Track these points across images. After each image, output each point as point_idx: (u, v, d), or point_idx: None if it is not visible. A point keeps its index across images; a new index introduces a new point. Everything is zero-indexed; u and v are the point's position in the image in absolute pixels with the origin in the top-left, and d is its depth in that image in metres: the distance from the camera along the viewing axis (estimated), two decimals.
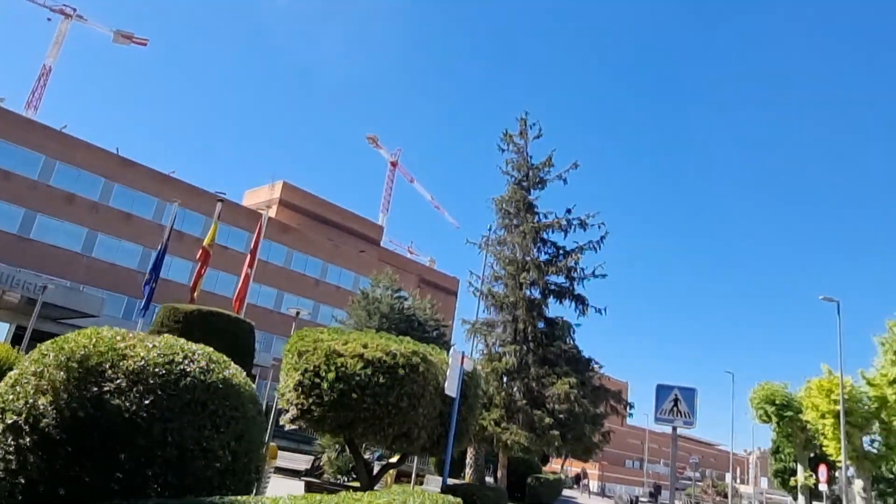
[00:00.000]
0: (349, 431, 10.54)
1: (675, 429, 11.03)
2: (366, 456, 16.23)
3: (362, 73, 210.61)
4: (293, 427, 10.74)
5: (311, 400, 10.06)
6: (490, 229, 28.96)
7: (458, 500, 8.43)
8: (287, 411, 10.48)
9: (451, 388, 11.37)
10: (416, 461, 22.04)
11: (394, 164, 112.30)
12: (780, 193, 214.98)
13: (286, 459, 22.47)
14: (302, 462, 23.77)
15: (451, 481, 14.87)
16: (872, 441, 26.08)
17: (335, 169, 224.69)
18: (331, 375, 9.92)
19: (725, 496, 67.17)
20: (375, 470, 14.86)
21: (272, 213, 46.84)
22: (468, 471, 25.54)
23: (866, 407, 25.06)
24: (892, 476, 35.42)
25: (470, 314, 27.39)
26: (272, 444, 14.53)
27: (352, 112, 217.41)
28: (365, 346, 10.38)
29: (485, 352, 25.80)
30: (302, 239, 56.22)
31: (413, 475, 22.11)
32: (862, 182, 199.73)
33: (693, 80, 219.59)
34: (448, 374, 11.35)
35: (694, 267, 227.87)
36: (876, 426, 25.08)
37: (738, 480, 63.69)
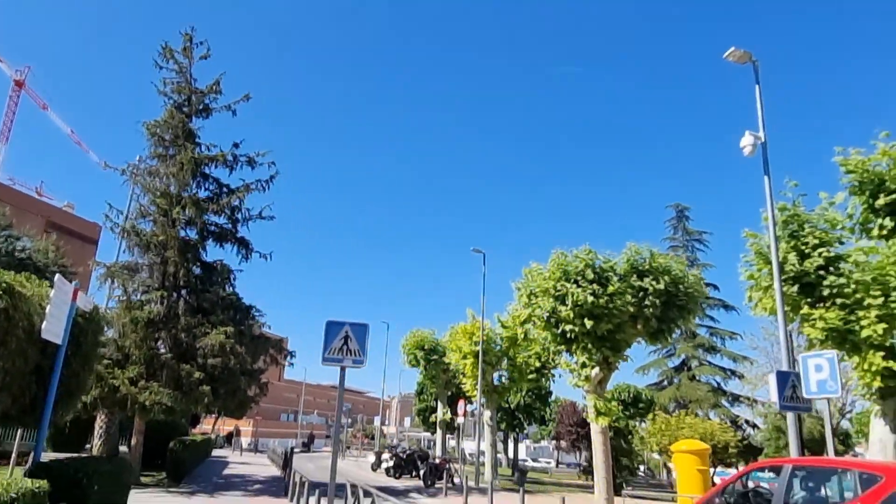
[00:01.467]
0: None
1: (343, 369, 9.86)
2: None
3: None
4: None
5: None
6: (140, 160, 24.36)
7: (43, 482, 5.78)
8: None
9: (54, 331, 8.25)
10: (18, 435, 17.19)
11: (19, 84, 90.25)
12: (421, 150, 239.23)
13: None
14: None
15: (61, 456, 11.40)
16: (500, 376, 29.92)
17: None
18: None
19: (373, 438, 72.56)
20: None
21: None
22: (97, 441, 21.28)
23: (499, 347, 28.55)
24: (507, 405, 41.52)
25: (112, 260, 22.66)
26: None
27: None
28: None
29: (123, 299, 21.61)
30: None
31: (14, 454, 17.19)
32: (499, 147, 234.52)
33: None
34: (49, 312, 8.19)
35: (359, 225, 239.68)
36: (505, 363, 28.75)
37: (386, 423, 69.01)
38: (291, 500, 16.32)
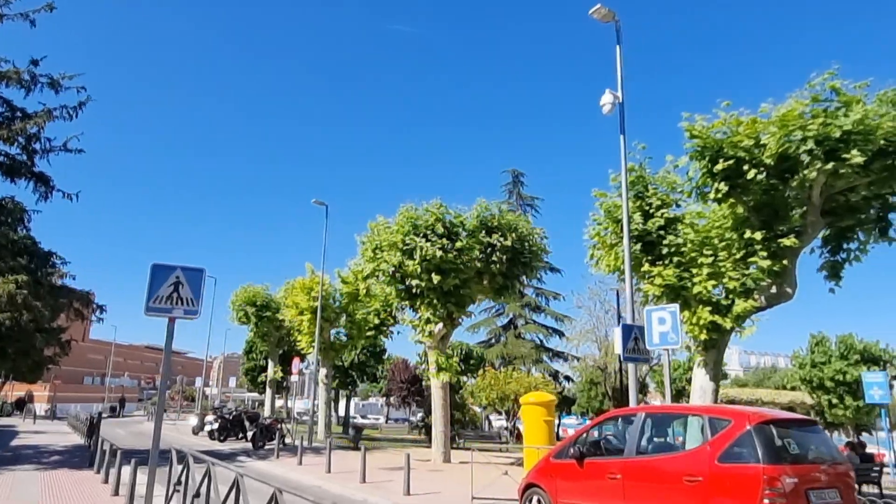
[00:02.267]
0: None
1: (172, 321, 8.41)
2: None
3: None
4: None
5: None
6: None
7: None
8: None
9: None
10: None
11: None
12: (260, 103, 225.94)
13: None
14: None
15: None
16: (338, 333, 29.03)
17: None
18: None
19: (193, 399, 68.17)
20: None
21: None
22: None
23: (338, 303, 27.57)
24: (340, 363, 40.79)
25: None
26: None
27: None
28: None
29: None
30: None
31: None
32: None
33: None
34: None
35: (188, 171, 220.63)
36: (343, 320, 27.88)
37: (209, 384, 65.04)
38: (98, 471, 14.28)
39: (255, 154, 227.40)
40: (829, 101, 10.99)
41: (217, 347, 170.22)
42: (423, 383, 44.46)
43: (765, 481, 6.50)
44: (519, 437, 37.65)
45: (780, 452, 6.83)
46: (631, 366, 11.56)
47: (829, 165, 10.56)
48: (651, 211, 13.23)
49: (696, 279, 12.45)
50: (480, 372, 40.14)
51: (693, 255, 12.64)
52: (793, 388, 47.43)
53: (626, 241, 11.89)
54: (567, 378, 54.61)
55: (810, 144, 10.60)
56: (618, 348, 11.30)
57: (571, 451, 8.68)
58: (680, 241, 12.70)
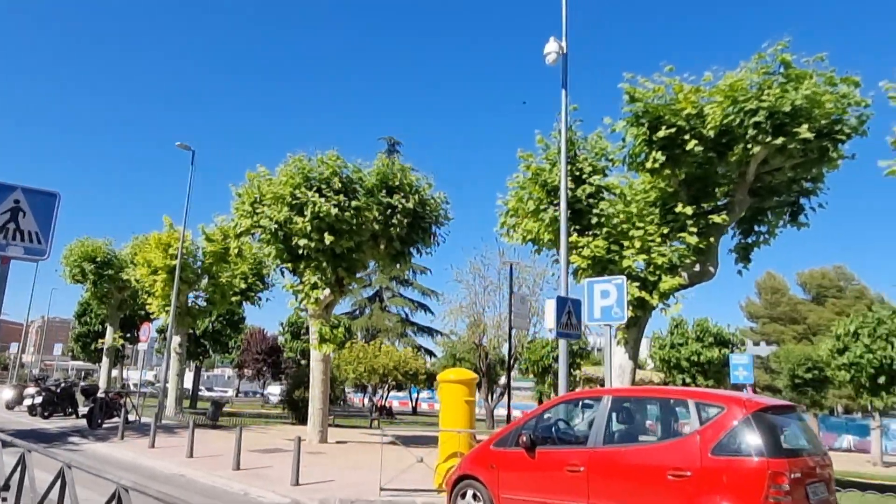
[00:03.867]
0: None
1: (6, 261, 5.94)
2: None
3: None
4: None
5: None
6: None
7: None
8: None
9: None
10: None
11: None
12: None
13: None
14: None
15: None
16: (197, 297, 25.76)
17: None
18: None
19: (6, 368, 59.51)
20: None
21: None
22: None
23: (200, 263, 24.33)
24: (192, 331, 37.00)
25: None
26: None
27: None
28: None
29: None
30: None
31: None
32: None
33: None
34: None
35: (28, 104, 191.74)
36: (205, 282, 24.71)
37: (24, 351, 56.87)
38: None
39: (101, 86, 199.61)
40: (778, 73, 10.61)
41: (38, 310, 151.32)
42: (284, 354, 41.75)
43: (769, 477, 5.65)
44: (385, 413, 36.49)
45: (782, 444, 6.04)
46: (562, 342, 10.58)
47: (779, 140, 10.16)
48: (583, 177, 12.32)
49: (626, 252, 11.75)
50: (348, 344, 38.35)
51: (624, 227, 11.92)
52: (640, 367, 50.93)
53: (563, 206, 10.83)
54: (429, 353, 54.37)
55: (761, 116, 10.14)
56: (549, 322, 10.25)
57: (520, 438, 7.42)
58: (612, 210, 11.91)
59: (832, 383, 33.21)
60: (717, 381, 30.70)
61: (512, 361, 22.06)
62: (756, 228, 13.28)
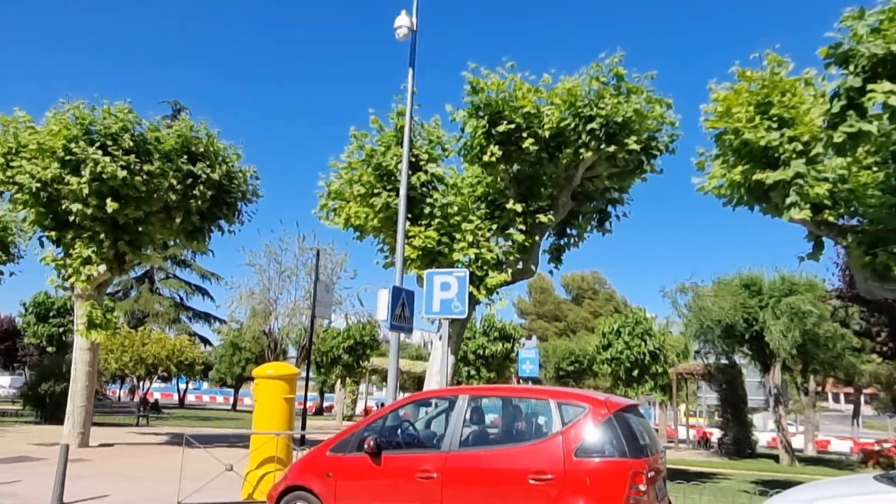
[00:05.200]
0: None
1: None
2: None
3: None
4: None
5: None
6: None
7: None
8: None
9: None
10: None
11: None
12: None
13: None
14: None
15: None
16: None
17: None
18: None
19: None
20: None
21: None
22: None
23: None
24: None
25: None
26: None
27: None
28: None
29: None
30: None
31: None
32: None
33: None
34: None
35: None
36: None
37: None
38: None
39: None
40: (611, 84, 11.14)
41: None
42: (25, 340, 35.14)
43: (631, 477, 5.63)
44: (151, 408, 32.56)
45: (639, 443, 6.08)
46: (393, 336, 9.97)
47: (612, 148, 10.66)
48: (420, 164, 11.79)
49: (457, 245, 11.50)
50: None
51: (457, 219, 11.66)
52: (418, 357, 52.50)
53: (402, 193, 10.20)
54: (205, 341, 50.23)
55: (596, 124, 10.55)
56: (381, 314, 9.56)
57: (365, 442, 6.63)
58: (446, 200, 11.57)
59: (592, 375, 37.39)
60: (499, 373, 32.67)
61: (308, 351, 20.85)
62: (568, 231, 13.98)
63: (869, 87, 7.64)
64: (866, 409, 55.51)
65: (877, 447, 24.96)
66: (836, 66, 8.22)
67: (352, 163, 12.22)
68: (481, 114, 11.29)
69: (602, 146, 10.71)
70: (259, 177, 15.95)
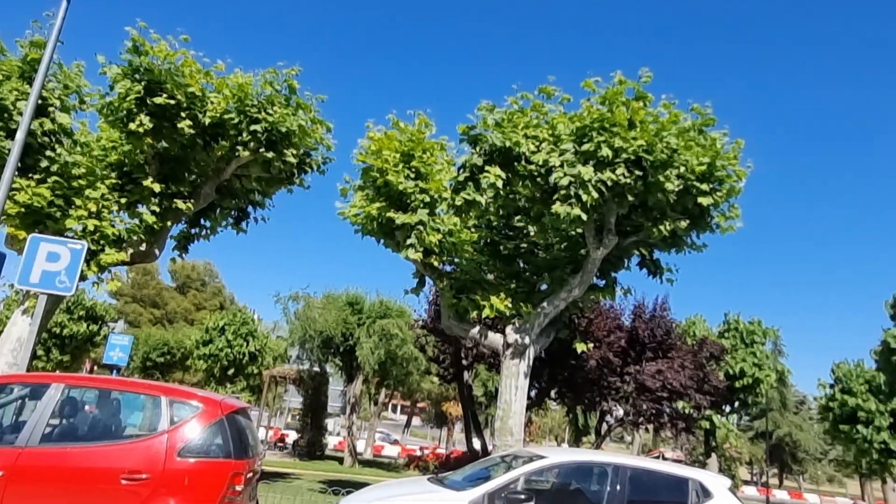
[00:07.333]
0: None
1: None
2: None
3: None
4: None
5: None
6: None
7: None
8: None
9: None
10: None
11: None
12: None
13: None
14: None
15: None
16: None
17: None
18: None
19: None
20: None
21: None
22: None
23: None
24: None
25: None
26: None
27: None
28: None
29: None
30: None
31: None
32: None
33: None
34: None
35: None
36: None
37: None
38: None
39: None
40: (282, 94, 11.35)
41: None
42: None
43: (230, 477, 5.90)
44: None
45: (245, 445, 6.34)
46: None
47: (270, 154, 10.87)
48: (48, 109, 9.97)
49: (74, 212, 10.06)
50: None
51: (81, 182, 10.22)
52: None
53: (21, 133, 8.49)
54: None
55: (261, 127, 10.63)
56: None
57: None
58: (71, 160, 10.05)
59: (183, 370, 35.75)
60: (75, 357, 28.70)
61: None
62: (202, 222, 13.53)
63: (487, 167, 9.74)
64: (416, 420, 66.04)
65: (418, 453, 29.87)
66: (468, 144, 10.29)
67: None
68: (138, 77, 10.27)
69: (261, 150, 10.81)
70: None
